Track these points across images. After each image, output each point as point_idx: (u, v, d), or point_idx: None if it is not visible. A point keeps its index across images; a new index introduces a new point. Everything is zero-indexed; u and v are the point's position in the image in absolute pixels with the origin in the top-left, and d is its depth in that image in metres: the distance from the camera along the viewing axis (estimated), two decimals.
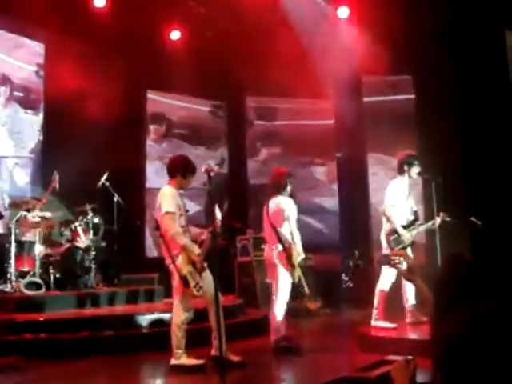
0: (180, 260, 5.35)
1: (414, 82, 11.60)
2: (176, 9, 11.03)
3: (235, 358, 5.54)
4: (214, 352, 5.52)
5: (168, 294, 6.72)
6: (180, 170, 5.65)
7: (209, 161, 11.63)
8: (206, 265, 5.50)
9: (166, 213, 5.38)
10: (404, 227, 6.69)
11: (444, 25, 10.21)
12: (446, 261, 1.91)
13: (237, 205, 12.34)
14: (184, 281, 5.32)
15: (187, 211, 5.78)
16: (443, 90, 10.61)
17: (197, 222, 6.40)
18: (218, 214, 5.37)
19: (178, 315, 5.46)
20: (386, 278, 6.72)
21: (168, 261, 5.49)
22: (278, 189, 6.44)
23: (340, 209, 13.11)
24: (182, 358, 5.41)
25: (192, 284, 5.32)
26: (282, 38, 10.17)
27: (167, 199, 5.47)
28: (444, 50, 10.44)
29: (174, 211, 5.42)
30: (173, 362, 5.43)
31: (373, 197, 11.20)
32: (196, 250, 5.40)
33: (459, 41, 10.38)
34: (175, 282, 5.46)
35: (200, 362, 5.43)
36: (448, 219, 6.86)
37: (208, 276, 5.50)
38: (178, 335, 5.41)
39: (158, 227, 5.53)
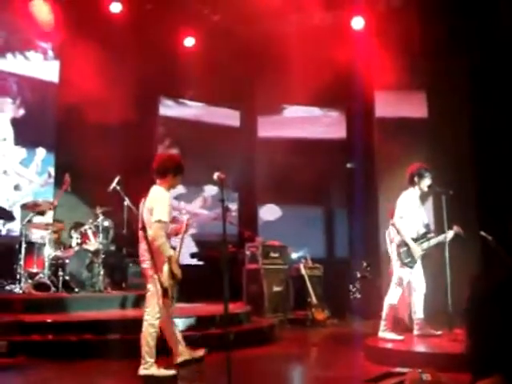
0: (164, 271, 5.22)
1: (428, 95, 11.58)
2: (190, 16, 11.09)
3: (195, 354, 5.64)
4: (176, 360, 5.58)
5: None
6: (171, 168, 5.51)
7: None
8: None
9: (159, 221, 5.20)
10: (415, 240, 6.62)
11: (459, 39, 10.21)
12: (476, 280, 1.91)
13: (246, 212, 12.39)
14: (166, 292, 5.21)
15: (174, 217, 5.72)
16: (457, 104, 10.60)
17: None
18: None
19: (151, 322, 5.29)
20: (395, 291, 6.68)
21: (146, 264, 5.35)
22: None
23: (349, 220, 13.10)
24: (151, 369, 5.21)
25: (170, 295, 5.27)
26: (296, 45, 10.21)
27: (163, 205, 5.28)
28: (458, 63, 10.44)
29: (167, 221, 5.26)
30: (142, 371, 5.20)
31: (382, 208, 11.17)
32: (177, 260, 5.33)
33: (474, 54, 10.36)
34: (153, 287, 5.31)
35: (171, 372, 5.28)
36: (461, 233, 6.82)
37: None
38: (149, 343, 5.23)
39: (144, 227, 5.31)
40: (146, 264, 5.38)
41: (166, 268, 5.23)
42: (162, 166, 5.53)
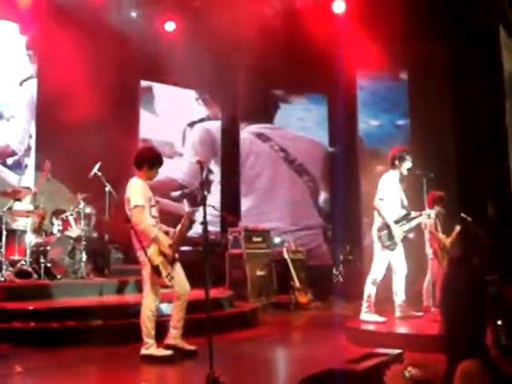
0: (152, 250, 5.39)
1: (409, 79, 11.62)
2: (171, 0, 10.99)
3: (188, 347, 5.64)
4: (168, 341, 5.64)
5: None
6: (146, 161, 5.67)
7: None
8: (177, 256, 5.57)
9: (136, 206, 5.40)
10: (395, 222, 6.64)
11: (441, 24, 10.22)
12: (452, 262, 1.95)
13: (229, 198, 12.38)
14: (157, 271, 5.36)
15: (157, 202, 5.79)
16: (437, 87, 10.65)
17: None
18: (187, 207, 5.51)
19: (147, 305, 5.49)
20: (376, 271, 6.74)
21: (139, 252, 5.52)
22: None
23: (332, 204, 13.15)
24: (151, 349, 5.44)
25: (164, 274, 5.38)
26: (275, 29, 10.18)
27: (135, 192, 5.49)
28: (440, 47, 10.47)
29: (143, 204, 5.44)
30: (143, 351, 5.46)
31: (364, 193, 11.23)
32: (167, 241, 5.47)
33: (456, 38, 10.39)
34: (146, 272, 5.49)
35: (169, 352, 5.47)
36: (442, 211, 6.89)
37: (178, 268, 5.62)
38: (147, 325, 5.45)
39: (128, 219, 5.53)
40: (137, 252, 5.56)
41: (152, 249, 5.39)
42: (138, 158, 5.75)
